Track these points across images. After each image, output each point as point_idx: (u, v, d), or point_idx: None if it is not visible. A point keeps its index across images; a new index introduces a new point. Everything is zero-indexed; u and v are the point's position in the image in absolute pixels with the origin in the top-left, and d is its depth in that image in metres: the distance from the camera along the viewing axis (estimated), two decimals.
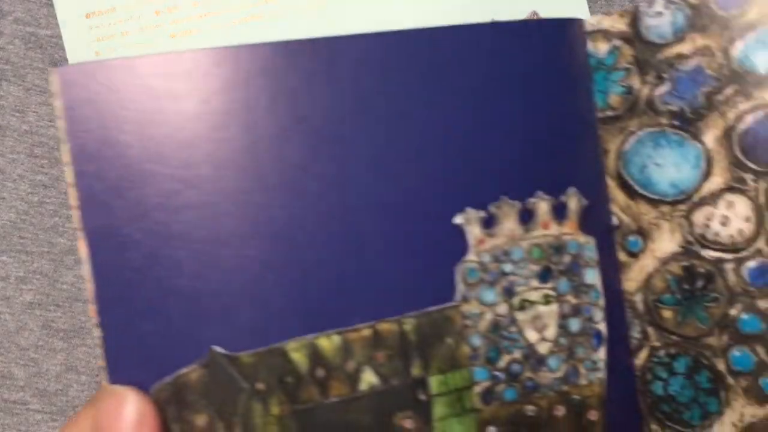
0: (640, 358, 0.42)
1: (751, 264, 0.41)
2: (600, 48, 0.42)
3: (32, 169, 0.51)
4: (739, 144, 0.41)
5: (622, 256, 0.43)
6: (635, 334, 0.42)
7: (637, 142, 0.42)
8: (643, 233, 0.42)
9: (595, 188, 0.43)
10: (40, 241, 0.54)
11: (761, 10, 0.40)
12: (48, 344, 0.57)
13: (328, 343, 0.37)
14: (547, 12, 0.56)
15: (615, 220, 0.43)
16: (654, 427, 0.42)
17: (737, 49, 0.41)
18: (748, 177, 0.41)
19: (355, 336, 0.37)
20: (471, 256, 0.39)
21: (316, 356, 0.37)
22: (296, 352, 0.37)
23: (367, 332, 0.37)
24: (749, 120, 0.41)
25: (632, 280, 0.42)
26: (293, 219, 0.37)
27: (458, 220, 0.39)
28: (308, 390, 0.37)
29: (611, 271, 0.43)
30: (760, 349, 0.41)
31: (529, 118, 0.41)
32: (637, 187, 0.42)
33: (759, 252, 0.41)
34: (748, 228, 0.41)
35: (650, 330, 0.42)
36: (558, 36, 0.43)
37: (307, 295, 0.37)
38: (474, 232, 0.39)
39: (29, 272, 0.56)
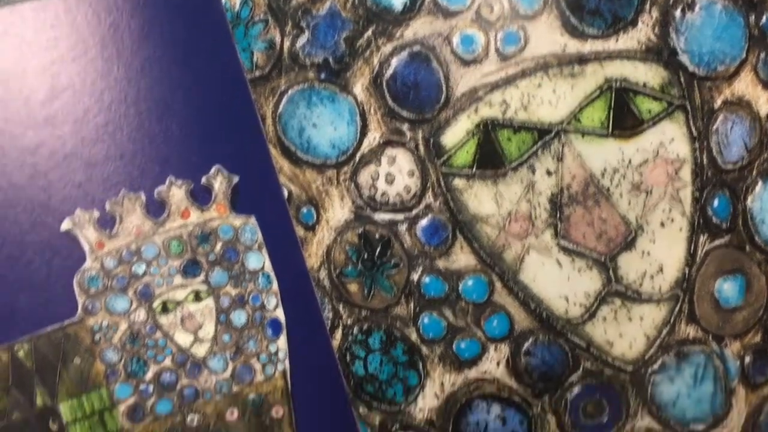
0: (337, 339, 0.38)
1: (423, 222, 0.37)
2: (233, 0, 0.37)
3: None
4: (389, 91, 0.36)
5: (300, 231, 0.38)
6: (327, 313, 0.38)
7: (290, 102, 0.37)
8: (315, 203, 0.38)
9: (257, 160, 0.38)
10: None
11: None
12: None
13: None
14: None
15: (285, 192, 0.38)
16: (362, 410, 0.39)
17: None
18: (404, 127, 0.36)
19: None
20: (89, 263, 0.34)
21: None
22: None
23: None
24: (394, 63, 0.36)
25: (314, 255, 0.38)
26: None
27: (66, 225, 0.34)
28: None
29: (291, 249, 0.38)
30: (447, 312, 0.37)
31: (165, 93, 0.36)
32: (299, 153, 0.38)
33: (429, 208, 0.37)
34: (414, 183, 0.37)
35: (340, 307, 0.38)
36: None
37: None
38: (89, 235, 0.34)
39: None
